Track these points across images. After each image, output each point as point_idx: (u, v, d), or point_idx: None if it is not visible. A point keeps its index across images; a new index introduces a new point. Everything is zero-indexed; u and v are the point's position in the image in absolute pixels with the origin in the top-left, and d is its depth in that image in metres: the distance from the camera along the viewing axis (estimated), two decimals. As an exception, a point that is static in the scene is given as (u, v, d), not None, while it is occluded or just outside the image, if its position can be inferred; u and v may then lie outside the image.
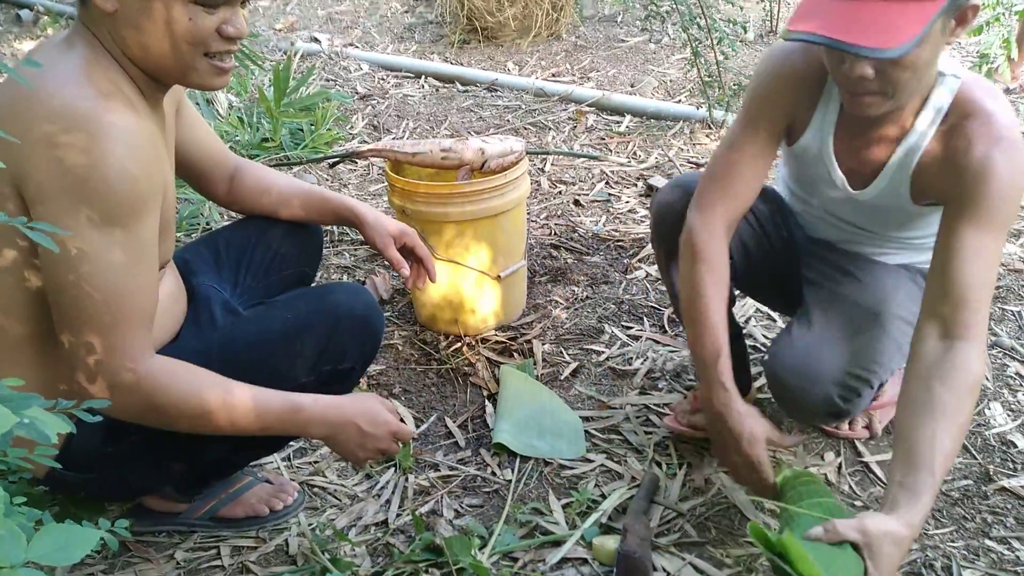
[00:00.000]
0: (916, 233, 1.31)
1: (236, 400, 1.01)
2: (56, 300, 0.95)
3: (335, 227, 2.46)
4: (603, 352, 1.87)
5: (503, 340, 1.92)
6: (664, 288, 2.01)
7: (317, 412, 1.08)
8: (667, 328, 1.93)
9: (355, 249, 2.36)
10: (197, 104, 2.96)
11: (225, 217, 2.42)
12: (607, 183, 2.70)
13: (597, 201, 2.57)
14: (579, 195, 2.61)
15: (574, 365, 1.82)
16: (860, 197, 1.26)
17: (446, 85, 3.75)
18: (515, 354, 1.88)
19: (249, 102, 3.19)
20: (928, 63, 1.05)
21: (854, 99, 1.10)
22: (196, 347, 1.12)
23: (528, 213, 2.49)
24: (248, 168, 1.38)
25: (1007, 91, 3.42)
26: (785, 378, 1.27)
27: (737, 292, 1.70)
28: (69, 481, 1.11)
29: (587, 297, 2.08)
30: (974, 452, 1.50)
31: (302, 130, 2.92)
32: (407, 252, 1.42)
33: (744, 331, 1.81)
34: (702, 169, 1.39)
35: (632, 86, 3.63)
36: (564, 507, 1.41)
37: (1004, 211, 1.08)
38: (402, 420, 1.40)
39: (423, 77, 3.85)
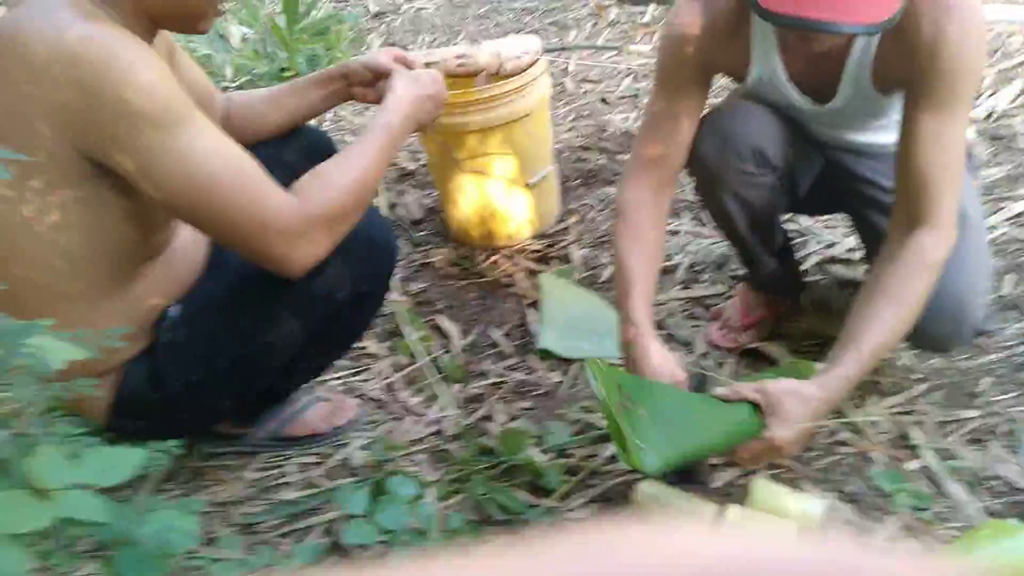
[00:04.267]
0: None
1: (357, 164, 1.06)
2: (193, 218, 0.99)
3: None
4: (643, 250, 1.84)
5: (539, 248, 1.90)
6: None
7: (399, 118, 1.13)
8: (704, 220, 1.89)
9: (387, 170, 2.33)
10: (209, 39, 2.91)
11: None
12: (634, 78, 2.59)
13: (625, 97, 2.49)
14: (606, 93, 2.52)
15: (613, 267, 1.80)
16: (830, 109, 1.20)
17: (460, -8, 3.61)
18: (553, 261, 1.86)
19: (262, 32, 3.12)
20: None
21: (792, 44, 1.08)
22: (213, 291, 1.13)
23: (554, 116, 2.42)
24: (238, 98, 1.36)
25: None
26: (936, 333, 1.16)
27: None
28: (127, 429, 1.15)
29: (622, 197, 2.03)
30: (1040, 317, 1.46)
31: (318, 55, 2.86)
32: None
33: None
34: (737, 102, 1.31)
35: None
36: (615, 404, 1.42)
37: (960, 85, 1.00)
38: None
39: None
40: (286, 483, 1.34)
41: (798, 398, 0.99)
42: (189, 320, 1.13)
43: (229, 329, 1.13)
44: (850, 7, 0.91)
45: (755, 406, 1.01)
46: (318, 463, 1.38)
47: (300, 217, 0.99)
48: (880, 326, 1.00)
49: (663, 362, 1.12)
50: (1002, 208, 1.73)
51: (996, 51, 2.39)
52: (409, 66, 1.30)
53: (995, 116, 2.07)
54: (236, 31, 3.06)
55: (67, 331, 1.02)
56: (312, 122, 1.48)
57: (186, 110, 0.95)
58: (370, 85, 1.32)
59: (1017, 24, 2.50)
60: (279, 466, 1.38)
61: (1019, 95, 2.14)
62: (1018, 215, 1.72)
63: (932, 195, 1.02)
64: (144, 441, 1.23)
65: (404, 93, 1.17)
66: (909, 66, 1.03)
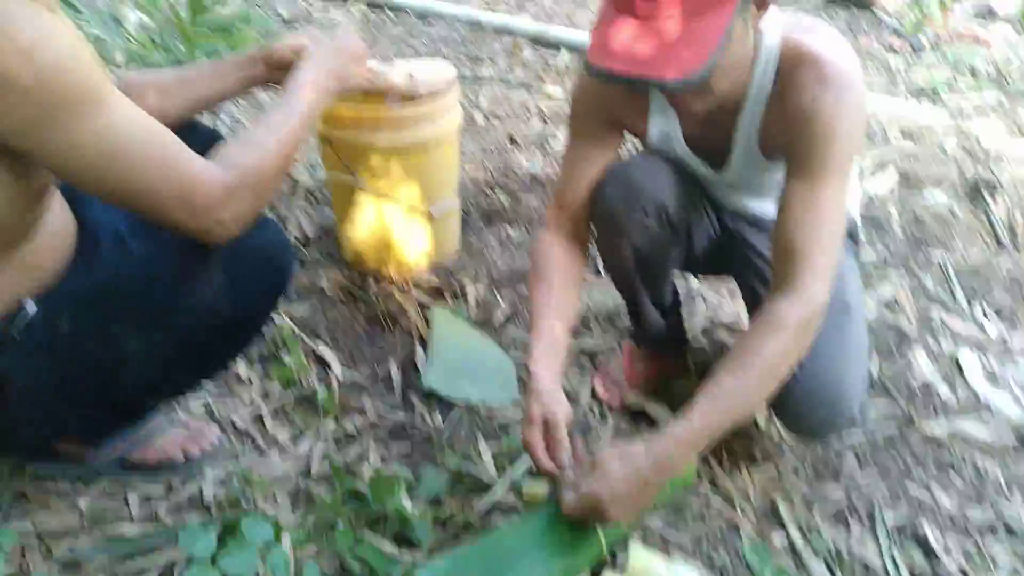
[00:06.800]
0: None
1: (278, 124, 1.02)
2: (109, 197, 0.90)
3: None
4: (537, 295, 1.82)
5: (434, 282, 1.85)
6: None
7: (316, 74, 1.10)
8: (601, 272, 1.90)
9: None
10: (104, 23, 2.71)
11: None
12: (543, 119, 2.61)
13: (533, 139, 2.49)
14: (514, 132, 2.52)
15: (508, 309, 1.77)
16: (724, 176, 1.24)
17: (375, 10, 3.56)
18: (447, 297, 1.81)
19: (162, 22, 2.94)
20: (739, 53, 1.02)
21: (678, 104, 1.12)
22: (79, 288, 1.01)
23: (462, 150, 2.39)
24: (133, 79, 1.21)
25: (936, 39, 3.46)
26: (810, 420, 1.18)
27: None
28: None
29: (522, 241, 2.02)
30: (898, 398, 1.54)
31: (219, 53, 2.72)
32: None
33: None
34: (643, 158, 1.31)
35: (570, 19, 3.52)
36: (494, 455, 1.37)
37: (833, 153, 1.03)
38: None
39: (350, 2, 3.65)
40: (125, 516, 1.21)
41: (621, 457, 0.99)
42: (47, 317, 0.99)
43: (92, 333, 1.01)
44: (658, 63, 0.92)
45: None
46: (165, 496, 1.25)
47: (223, 183, 0.93)
48: (716, 389, 1.00)
49: (540, 412, 1.10)
50: (872, 290, 1.84)
51: (875, 137, 2.58)
52: None
53: (870, 200, 2.21)
54: (133, 16, 2.86)
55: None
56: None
57: (102, 85, 0.85)
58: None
59: (895, 116, 2.71)
60: (119, 496, 1.24)
61: (892, 181, 2.31)
62: (887, 299, 1.82)
63: (797, 261, 1.03)
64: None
65: (318, 50, 1.14)
66: (788, 133, 1.06)
